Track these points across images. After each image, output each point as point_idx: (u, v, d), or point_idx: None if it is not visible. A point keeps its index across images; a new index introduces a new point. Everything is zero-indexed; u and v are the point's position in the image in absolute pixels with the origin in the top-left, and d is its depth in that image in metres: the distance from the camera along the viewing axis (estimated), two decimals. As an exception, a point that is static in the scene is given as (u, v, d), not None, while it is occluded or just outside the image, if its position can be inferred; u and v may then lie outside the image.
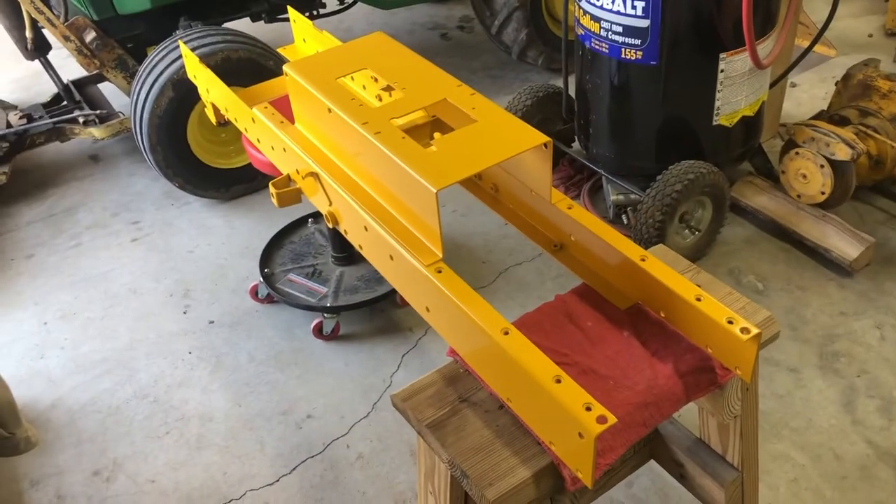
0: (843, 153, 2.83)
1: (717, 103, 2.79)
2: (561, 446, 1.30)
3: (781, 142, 3.05)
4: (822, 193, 2.95)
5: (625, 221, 3.09)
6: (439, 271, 1.48)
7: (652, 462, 1.98)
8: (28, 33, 3.63)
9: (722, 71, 2.71)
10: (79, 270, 3.25)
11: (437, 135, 1.84)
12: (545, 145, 1.50)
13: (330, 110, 1.69)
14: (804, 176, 2.98)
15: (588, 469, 1.24)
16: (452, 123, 1.74)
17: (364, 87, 2.04)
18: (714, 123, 2.84)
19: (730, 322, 1.38)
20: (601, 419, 1.20)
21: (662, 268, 1.49)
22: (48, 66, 3.90)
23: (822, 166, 2.90)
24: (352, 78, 2.04)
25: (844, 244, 2.87)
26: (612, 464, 1.38)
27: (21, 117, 3.61)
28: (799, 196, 3.03)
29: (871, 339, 2.64)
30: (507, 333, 1.34)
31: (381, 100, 1.97)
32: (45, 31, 3.62)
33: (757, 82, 2.84)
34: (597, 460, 1.27)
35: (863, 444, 2.31)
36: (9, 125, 3.57)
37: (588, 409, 1.21)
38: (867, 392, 2.46)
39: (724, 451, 1.77)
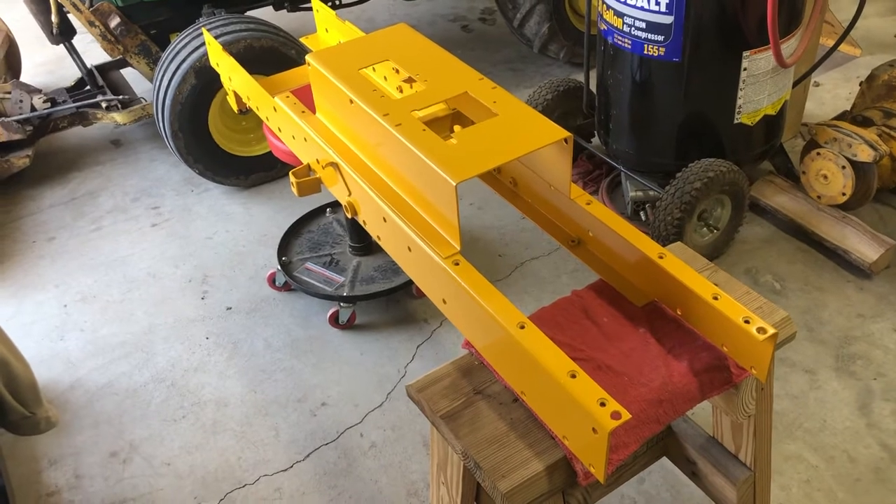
0: (865, 154, 2.81)
1: (740, 101, 2.77)
2: (574, 441, 1.31)
3: (803, 141, 3.03)
4: (843, 195, 2.93)
5: (643, 218, 3.08)
6: (457, 263, 1.49)
7: (664, 459, 1.98)
8: (53, 18, 3.66)
9: (745, 69, 2.70)
10: (99, 254, 3.29)
11: (457, 128, 1.85)
12: (566, 140, 1.51)
13: (351, 101, 1.70)
14: (825, 177, 2.96)
15: (601, 464, 1.25)
16: (473, 117, 1.74)
17: (385, 78, 2.04)
18: (735, 122, 2.82)
19: (746, 321, 1.38)
20: (615, 415, 1.20)
21: (680, 265, 1.49)
22: (72, 50, 3.94)
23: (843, 167, 2.88)
24: (374, 69, 2.05)
25: (864, 246, 2.86)
26: (624, 459, 1.38)
27: (45, 101, 3.64)
28: (819, 197, 3.01)
29: (889, 342, 2.62)
30: (522, 327, 1.35)
31: (402, 91, 1.97)
32: (71, 16, 3.66)
33: (780, 81, 2.82)
34: (610, 456, 1.28)
35: (877, 447, 2.30)
36: (33, 108, 3.61)
37: (602, 404, 1.22)
38: (883, 395, 2.45)
39: (737, 450, 1.77)
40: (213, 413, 2.57)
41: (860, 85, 3.25)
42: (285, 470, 2.38)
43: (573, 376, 1.26)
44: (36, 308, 3.04)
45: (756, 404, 1.60)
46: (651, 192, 2.99)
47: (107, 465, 2.43)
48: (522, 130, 1.53)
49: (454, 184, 1.41)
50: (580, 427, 1.26)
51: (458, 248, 1.51)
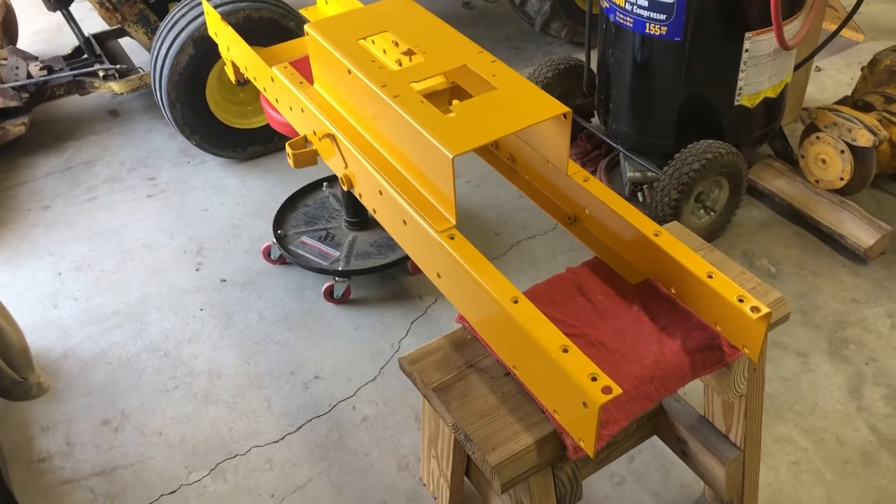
0: (864, 139, 2.80)
1: (740, 83, 2.76)
2: (565, 415, 1.32)
3: (803, 126, 3.02)
4: (841, 179, 2.92)
5: (640, 199, 3.08)
6: (452, 238, 1.48)
7: (655, 438, 1.99)
8: (51, -16, 3.63)
9: (746, 50, 2.68)
10: (94, 223, 3.28)
11: (455, 101, 1.84)
12: (564, 115, 1.50)
13: (349, 71, 1.68)
14: (824, 161, 2.95)
15: (591, 439, 1.26)
16: (472, 90, 1.73)
17: (385, 50, 2.03)
18: (735, 104, 2.81)
19: (740, 300, 1.38)
20: (606, 390, 1.21)
21: (675, 244, 1.49)
22: (70, 18, 3.89)
23: (842, 152, 2.87)
24: (373, 41, 2.03)
25: (860, 231, 2.85)
26: (615, 435, 1.39)
27: (41, 69, 3.61)
28: (817, 181, 3.00)
29: (882, 328, 2.63)
30: (516, 302, 1.35)
31: (401, 64, 1.96)
32: (68, -17, 3.62)
33: (781, 64, 2.81)
34: (600, 431, 1.28)
35: (866, 431, 2.32)
36: (29, 76, 3.58)
37: (594, 379, 1.22)
38: (874, 380, 2.46)
39: (728, 429, 1.78)
40: (206, 384, 2.57)
41: (862, 70, 3.23)
42: (276, 441, 2.39)
43: (565, 351, 1.27)
44: (30, 276, 3.03)
45: (748, 384, 1.60)
46: (649, 173, 2.98)
47: (98, 432, 2.44)
48: (521, 105, 1.52)
49: (451, 156, 1.40)
50: (571, 401, 1.26)
51: (454, 222, 1.51)
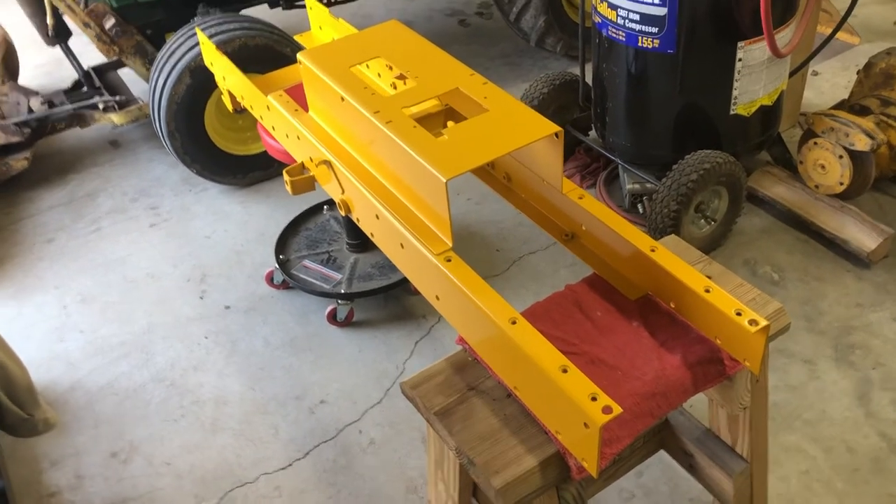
0: (862, 143, 2.80)
1: (735, 93, 2.77)
2: (567, 436, 1.31)
3: (801, 131, 3.02)
4: (841, 184, 2.92)
5: (641, 210, 3.08)
6: (448, 260, 1.49)
7: (662, 452, 1.98)
8: (49, 20, 3.67)
9: (740, 60, 2.69)
10: (98, 255, 3.29)
11: (450, 123, 1.85)
12: (556, 135, 1.50)
13: (342, 99, 1.69)
14: (822, 166, 2.95)
15: (593, 458, 1.25)
16: (465, 112, 1.74)
17: (379, 74, 2.04)
18: (731, 113, 2.82)
19: (738, 314, 1.38)
20: (606, 409, 1.20)
21: (672, 258, 1.49)
22: (69, 52, 3.94)
23: (840, 156, 2.87)
24: (367, 66, 2.04)
25: (862, 235, 2.85)
26: (618, 453, 1.38)
27: (42, 103, 3.65)
28: (817, 186, 3.00)
29: (888, 332, 2.62)
30: (514, 323, 1.35)
31: (395, 88, 1.97)
32: (66, 18, 3.66)
33: (776, 71, 2.81)
34: (602, 450, 1.28)
35: (876, 437, 2.30)
36: (30, 111, 3.61)
37: (594, 399, 1.22)
38: (882, 385, 2.45)
39: (734, 442, 1.77)
40: (213, 412, 2.57)
41: (857, 73, 3.23)
42: (285, 468, 2.38)
43: (564, 371, 1.26)
44: (36, 310, 3.05)
45: (751, 396, 1.59)
46: (648, 185, 2.98)
47: (107, 465, 2.44)
48: (513, 125, 1.53)
49: (444, 180, 1.41)
50: (572, 422, 1.26)
51: (450, 244, 1.51)
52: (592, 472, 1.27)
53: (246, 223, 3.38)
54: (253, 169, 3.54)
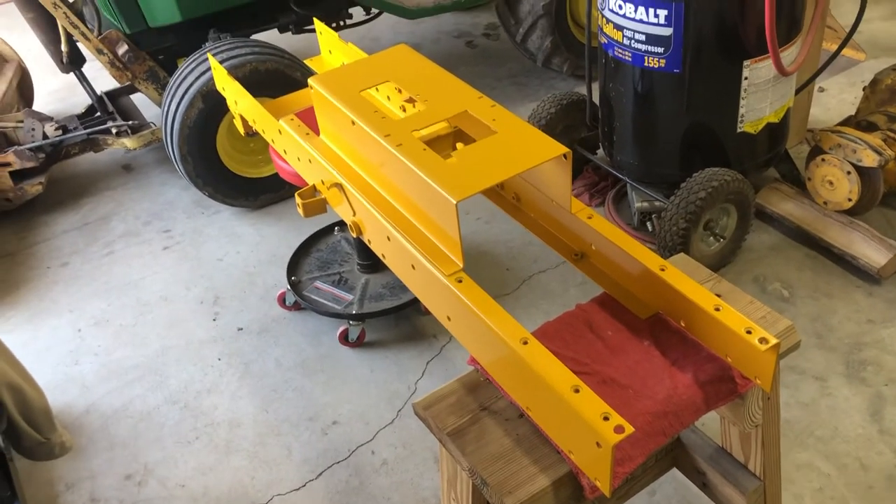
0: (869, 159, 2.81)
1: (742, 111, 2.78)
2: (579, 455, 1.32)
3: (808, 147, 3.03)
4: (849, 200, 2.93)
5: (650, 229, 3.09)
6: (460, 281, 1.50)
7: (675, 470, 1.98)
8: (63, 47, 3.73)
9: (746, 78, 2.71)
10: (112, 278, 3.33)
11: (459, 145, 1.87)
12: (564, 156, 1.52)
13: (353, 123, 1.72)
14: (831, 182, 2.96)
15: (606, 478, 1.26)
16: (473, 134, 1.77)
17: (388, 97, 2.07)
18: (738, 131, 2.83)
19: (748, 332, 1.39)
20: (619, 429, 1.21)
21: (681, 277, 1.50)
22: (82, 78, 4.00)
23: (848, 173, 2.88)
24: (376, 89, 2.08)
25: (872, 251, 2.85)
26: (630, 473, 1.39)
27: (57, 128, 3.69)
28: (825, 203, 3.01)
29: (900, 347, 2.61)
30: (526, 343, 1.36)
31: (404, 111, 2.00)
32: (80, 45, 3.72)
33: (782, 89, 2.83)
34: (615, 469, 1.29)
35: (890, 454, 2.29)
36: (45, 136, 3.66)
37: (606, 418, 1.23)
38: (895, 401, 2.44)
39: (747, 460, 1.77)
40: (226, 434, 2.59)
41: (864, 90, 3.25)
42: (298, 489, 2.39)
43: (576, 391, 1.28)
44: (51, 333, 3.08)
45: (763, 414, 1.60)
46: (657, 203, 3.00)
47: (122, 487, 2.46)
48: (522, 147, 1.55)
49: (455, 202, 1.43)
50: (584, 441, 1.27)
51: (461, 265, 1.53)
52: (605, 491, 1.28)
53: (258, 245, 3.41)
54: (264, 191, 3.58)
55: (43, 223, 3.71)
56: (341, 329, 2.83)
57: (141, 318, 3.10)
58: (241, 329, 2.99)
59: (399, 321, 2.93)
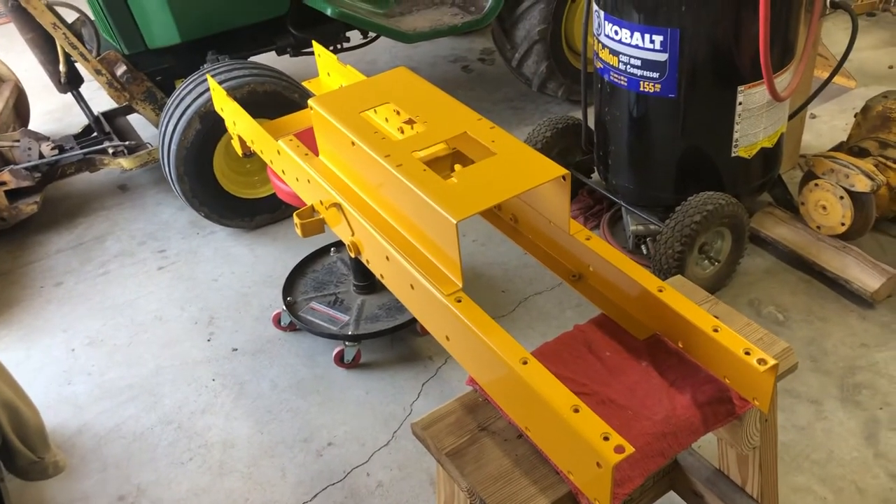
0: (862, 185, 2.84)
1: (736, 135, 2.81)
2: (579, 475, 1.32)
3: (801, 172, 3.06)
4: (843, 225, 2.95)
5: (644, 252, 3.11)
6: (459, 301, 1.51)
7: (672, 493, 1.98)
8: (62, 67, 3.74)
9: (740, 103, 2.74)
10: (106, 298, 3.31)
11: (458, 166, 1.88)
12: (563, 177, 1.54)
13: (353, 143, 1.73)
14: (824, 207, 2.98)
15: (606, 498, 1.26)
16: (473, 156, 1.78)
17: (387, 119, 2.09)
18: (732, 155, 2.86)
19: (747, 353, 1.39)
20: (619, 449, 1.21)
21: (680, 299, 1.51)
22: (80, 98, 4.01)
23: (841, 198, 2.91)
24: (375, 111, 2.09)
25: (865, 275, 2.87)
26: (630, 493, 1.39)
27: (53, 148, 3.70)
28: (819, 227, 3.03)
29: (894, 371, 2.62)
30: (525, 363, 1.37)
31: (403, 132, 2.01)
32: (78, 65, 3.73)
33: (775, 114, 2.86)
34: (615, 490, 1.28)
35: (885, 477, 2.29)
36: (41, 156, 3.67)
37: (606, 438, 1.23)
38: (889, 425, 2.45)
39: (744, 482, 1.77)
40: (220, 455, 2.57)
41: (855, 116, 3.29)
42: (292, 511, 2.37)
43: (576, 411, 1.28)
44: (44, 353, 3.06)
45: (760, 436, 1.60)
46: (652, 226, 3.02)
47: (114, 509, 2.43)
48: (521, 168, 1.57)
49: (455, 222, 1.44)
50: (584, 462, 1.27)
51: (460, 285, 1.54)
52: (605, 511, 1.28)
53: (253, 266, 3.41)
54: (260, 212, 3.58)
55: (37, 242, 3.70)
56: (337, 350, 2.83)
57: (135, 338, 3.08)
58: (236, 349, 2.98)
59: (395, 342, 2.92)
